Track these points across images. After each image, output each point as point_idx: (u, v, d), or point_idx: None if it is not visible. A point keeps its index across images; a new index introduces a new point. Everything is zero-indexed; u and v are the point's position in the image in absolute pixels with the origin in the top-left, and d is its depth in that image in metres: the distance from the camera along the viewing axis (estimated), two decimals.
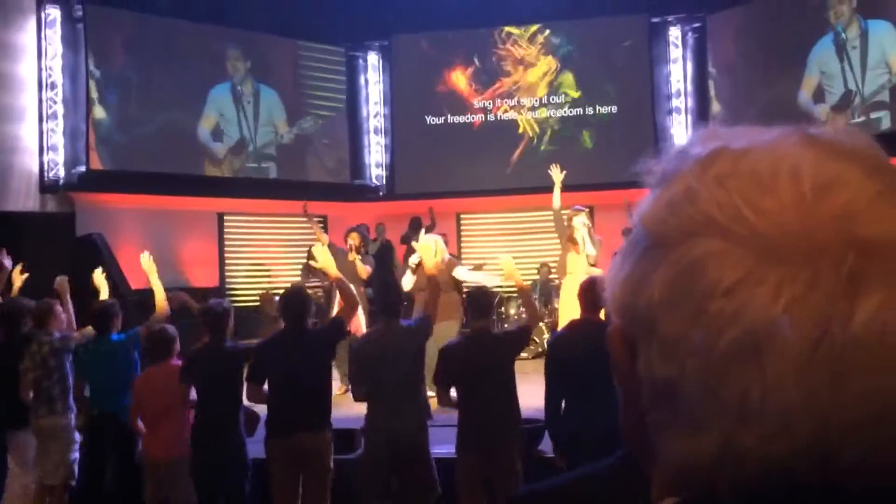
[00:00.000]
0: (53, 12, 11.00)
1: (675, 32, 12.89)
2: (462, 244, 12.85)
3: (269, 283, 12.14)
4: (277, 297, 6.93)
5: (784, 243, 0.44)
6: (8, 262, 6.31)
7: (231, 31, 12.27)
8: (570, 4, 12.43)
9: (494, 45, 13.05)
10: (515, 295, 9.42)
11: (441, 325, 6.03)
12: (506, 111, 13.11)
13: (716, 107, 12.38)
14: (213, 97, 12.20)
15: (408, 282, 7.36)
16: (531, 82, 13.04)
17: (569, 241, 6.70)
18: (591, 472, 0.67)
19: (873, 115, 10.85)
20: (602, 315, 4.16)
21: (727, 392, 0.44)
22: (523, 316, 7.63)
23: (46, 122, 10.88)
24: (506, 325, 10.45)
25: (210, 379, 4.75)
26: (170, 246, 10.85)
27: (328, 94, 13.22)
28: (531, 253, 12.08)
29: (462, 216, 13.07)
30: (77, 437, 5.45)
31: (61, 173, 10.95)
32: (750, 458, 0.44)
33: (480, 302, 4.72)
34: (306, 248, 10.12)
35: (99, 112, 11.16)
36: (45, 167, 10.85)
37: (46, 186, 10.81)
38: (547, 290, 10.26)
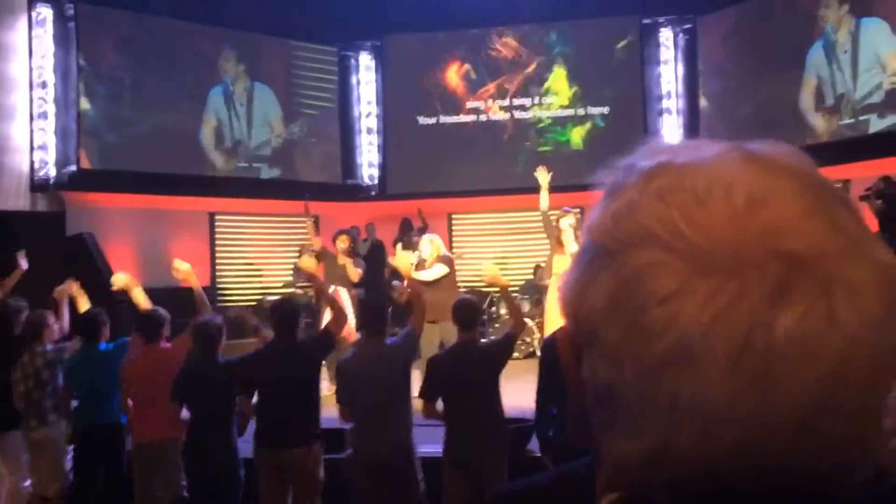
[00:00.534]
0: (44, 11, 10.97)
1: (666, 34, 12.94)
2: (454, 244, 12.86)
3: (260, 283, 12.14)
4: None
5: (716, 256, 0.46)
6: (24, 263, 6.50)
7: (224, 31, 12.25)
8: (562, 6, 12.45)
9: (486, 46, 13.06)
10: None
11: (445, 325, 6.05)
12: (497, 111, 13.14)
13: (706, 108, 12.43)
14: (211, 99, 12.21)
15: (432, 274, 7.34)
16: (523, 83, 13.07)
17: (557, 242, 6.71)
18: (570, 469, 0.69)
19: (862, 118, 10.90)
20: None
21: (660, 396, 0.46)
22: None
23: (37, 121, 10.85)
24: (495, 326, 10.48)
25: (202, 395, 4.71)
26: (160, 246, 10.83)
27: (320, 93, 13.21)
28: (523, 253, 12.12)
29: (454, 216, 13.09)
30: (68, 448, 5.42)
31: (52, 172, 10.91)
32: (681, 459, 0.46)
33: (465, 314, 4.71)
34: (298, 248, 10.13)
35: (90, 111, 11.13)
36: (36, 166, 10.81)
37: (37, 185, 10.77)
38: (541, 292, 10.30)
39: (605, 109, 12.86)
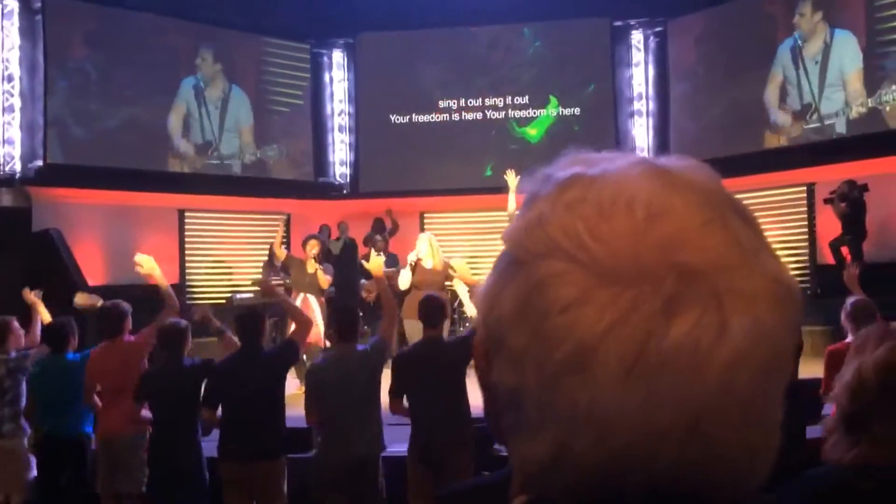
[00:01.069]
0: (11, 3, 10.80)
1: (637, 36, 13.05)
2: None
3: (230, 280, 12.05)
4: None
5: (615, 267, 0.48)
6: None
7: (194, 26, 12.15)
8: (535, 7, 12.50)
9: (459, 45, 13.09)
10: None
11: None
12: (470, 111, 13.17)
13: (676, 110, 12.56)
14: (182, 89, 12.09)
15: (405, 280, 7.35)
16: (495, 83, 13.11)
17: None
18: (507, 472, 0.71)
19: (828, 123, 11.08)
20: None
21: (559, 401, 0.48)
22: None
23: (3, 115, 10.69)
24: (466, 325, 10.50)
25: (167, 397, 4.67)
26: (129, 242, 10.69)
27: (292, 90, 13.15)
28: (494, 253, 12.09)
29: (426, 215, 13.09)
30: (31, 457, 5.30)
31: (18, 167, 10.76)
32: (578, 464, 0.48)
33: (431, 311, 4.73)
34: (268, 245, 10.07)
35: (57, 105, 10.98)
36: (2, 161, 10.65)
37: (2, 180, 10.60)
38: None
39: (577, 111, 12.94)
